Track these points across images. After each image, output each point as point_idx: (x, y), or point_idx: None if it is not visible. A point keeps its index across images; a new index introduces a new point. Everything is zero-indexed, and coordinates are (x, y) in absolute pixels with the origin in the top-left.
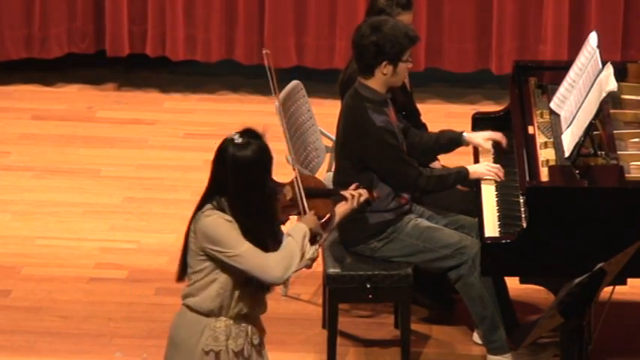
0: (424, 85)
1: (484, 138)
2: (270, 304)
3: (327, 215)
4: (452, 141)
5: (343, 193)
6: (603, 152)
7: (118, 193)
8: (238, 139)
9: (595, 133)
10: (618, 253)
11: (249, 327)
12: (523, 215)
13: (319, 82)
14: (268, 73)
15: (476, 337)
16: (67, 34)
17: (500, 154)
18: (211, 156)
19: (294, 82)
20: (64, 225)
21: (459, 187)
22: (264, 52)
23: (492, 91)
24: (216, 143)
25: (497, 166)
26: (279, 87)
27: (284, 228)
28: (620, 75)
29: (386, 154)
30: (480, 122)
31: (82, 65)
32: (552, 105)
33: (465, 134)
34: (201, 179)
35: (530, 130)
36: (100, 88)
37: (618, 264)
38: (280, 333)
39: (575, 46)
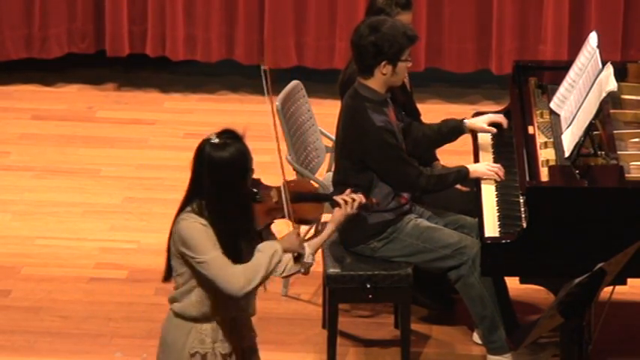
0: (424, 85)
1: (485, 121)
2: (270, 304)
3: (316, 219)
4: (454, 129)
5: (336, 198)
6: (603, 152)
7: (118, 193)
8: (215, 140)
9: (595, 133)
10: (618, 253)
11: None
12: (523, 215)
13: (319, 82)
14: (265, 89)
15: (476, 337)
16: (67, 34)
17: (500, 153)
18: None
19: (294, 82)
20: (64, 225)
21: (458, 187)
22: (262, 68)
23: (492, 91)
24: None
25: (498, 165)
26: (279, 87)
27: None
28: (620, 75)
29: (386, 153)
30: None
31: (82, 65)
32: (552, 105)
33: (465, 121)
34: None
35: (530, 130)
36: (100, 88)
37: (618, 264)
38: (280, 333)
39: (575, 46)
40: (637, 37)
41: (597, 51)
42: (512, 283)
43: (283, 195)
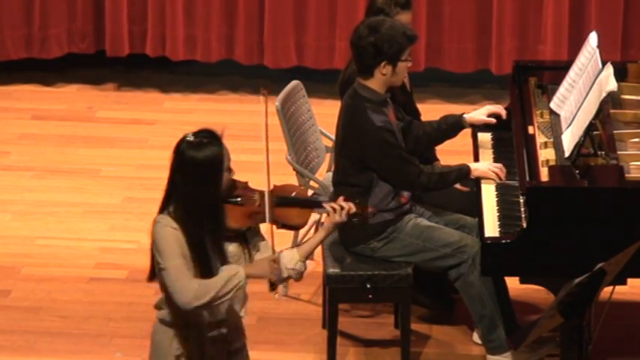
0: (424, 85)
1: (484, 113)
2: (270, 304)
3: (301, 225)
4: (454, 125)
5: (326, 205)
6: (603, 152)
7: (118, 193)
8: (192, 138)
9: (595, 133)
10: (618, 253)
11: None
12: (523, 215)
13: (319, 82)
14: (264, 112)
15: (476, 337)
16: (67, 34)
17: (500, 153)
18: None
19: (294, 82)
20: (64, 225)
21: (458, 186)
22: (261, 92)
23: (492, 91)
24: None
25: (500, 165)
26: (279, 87)
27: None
28: (620, 75)
29: (386, 153)
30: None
31: (82, 65)
32: (552, 105)
33: (465, 115)
34: None
35: (530, 130)
36: (100, 88)
37: (618, 264)
38: (280, 333)
39: (575, 46)
40: (637, 37)
41: (597, 51)
42: (512, 283)
43: (266, 199)
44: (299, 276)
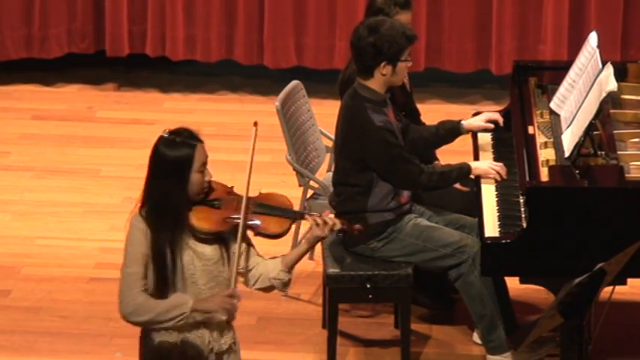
0: (424, 85)
1: (483, 120)
2: (270, 304)
3: (278, 235)
4: (451, 131)
5: (309, 218)
6: (603, 152)
7: (118, 193)
8: (166, 135)
9: (595, 133)
10: (618, 253)
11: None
12: (523, 215)
13: (319, 82)
14: (251, 146)
15: (476, 337)
16: (67, 34)
17: (500, 153)
18: (212, 156)
19: (294, 82)
20: (64, 225)
21: (458, 186)
22: (254, 124)
23: (492, 91)
24: (216, 143)
25: (500, 164)
26: (279, 87)
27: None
28: (620, 75)
29: (386, 152)
30: None
31: (82, 65)
32: (552, 105)
33: (463, 122)
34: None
35: (530, 130)
36: (100, 88)
37: (618, 264)
38: (280, 333)
39: (575, 46)
40: (637, 37)
41: (597, 51)
42: (512, 283)
43: (243, 205)
44: (282, 286)
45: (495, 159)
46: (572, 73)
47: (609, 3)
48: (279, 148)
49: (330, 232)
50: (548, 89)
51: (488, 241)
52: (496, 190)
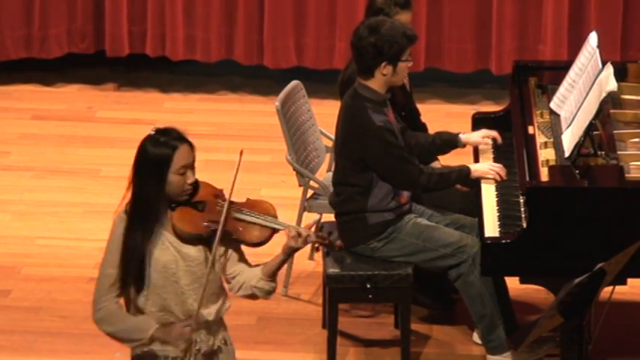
0: (424, 85)
1: (481, 136)
2: (270, 304)
3: (255, 243)
4: (448, 142)
5: (288, 229)
6: (603, 152)
7: (118, 193)
8: (153, 133)
9: (595, 133)
10: (618, 253)
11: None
12: (523, 215)
13: (319, 82)
14: (235, 170)
15: (476, 337)
16: (66, 34)
17: (500, 153)
18: (211, 156)
19: (294, 82)
20: (64, 225)
21: (459, 187)
22: (240, 152)
23: (492, 91)
24: (216, 143)
25: (500, 165)
26: (279, 88)
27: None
28: (620, 75)
29: (386, 152)
30: (480, 122)
31: (82, 65)
32: (552, 105)
33: (461, 135)
34: (200, 179)
35: (530, 130)
36: (100, 88)
37: (618, 264)
38: (280, 333)
39: (575, 46)
40: (637, 37)
41: (597, 51)
42: (512, 283)
43: (224, 210)
44: (263, 294)
45: (495, 159)
46: (572, 73)
47: (609, 3)
48: (279, 148)
49: (305, 244)
50: (548, 89)
51: (489, 241)
52: (496, 190)
